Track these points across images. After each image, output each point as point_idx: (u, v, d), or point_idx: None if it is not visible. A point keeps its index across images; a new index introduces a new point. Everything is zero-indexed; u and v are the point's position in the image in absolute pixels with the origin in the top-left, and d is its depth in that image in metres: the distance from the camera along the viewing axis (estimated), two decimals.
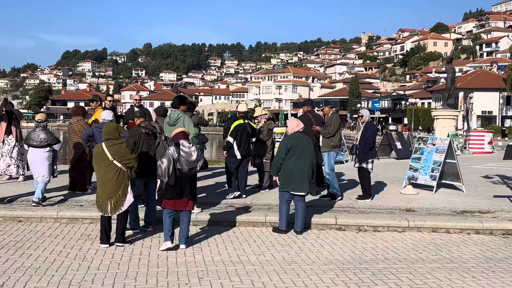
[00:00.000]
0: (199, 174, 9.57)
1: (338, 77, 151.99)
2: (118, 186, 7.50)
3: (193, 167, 7.55)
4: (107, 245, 7.58)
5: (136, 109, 11.80)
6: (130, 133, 8.81)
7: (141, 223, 8.59)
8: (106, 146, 7.48)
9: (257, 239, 8.27)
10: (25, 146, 10.08)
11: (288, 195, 8.63)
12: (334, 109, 10.99)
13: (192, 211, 8.01)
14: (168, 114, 9.74)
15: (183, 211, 7.68)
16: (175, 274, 6.45)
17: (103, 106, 11.92)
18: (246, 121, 10.73)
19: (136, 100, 12.38)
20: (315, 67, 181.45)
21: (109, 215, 7.59)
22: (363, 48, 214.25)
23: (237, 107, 11.34)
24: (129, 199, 7.62)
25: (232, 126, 10.65)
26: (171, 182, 7.45)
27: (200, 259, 7.10)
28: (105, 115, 9.84)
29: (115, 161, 7.44)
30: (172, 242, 7.55)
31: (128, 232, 8.12)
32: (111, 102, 12.12)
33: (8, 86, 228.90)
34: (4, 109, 12.27)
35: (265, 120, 11.81)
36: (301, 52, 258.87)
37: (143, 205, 8.95)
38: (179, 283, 6.12)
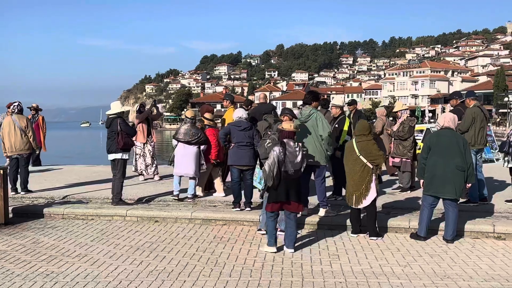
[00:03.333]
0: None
1: (481, 70, 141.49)
2: (362, 180, 7.79)
3: (299, 168, 7.08)
4: (355, 235, 8.00)
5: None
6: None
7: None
8: (356, 142, 7.89)
9: (400, 247, 7.41)
10: (174, 142, 10.19)
11: (431, 199, 7.69)
12: (476, 101, 9.68)
13: (301, 213, 7.69)
14: (299, 111, 9.23)
15: (290, 213, 7.24)
16: (311, 285, 5.87)
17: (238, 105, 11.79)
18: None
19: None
20: (454, 60, 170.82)
21: (354, 207, 7.92)
22: (509, 38, 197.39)
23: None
24: (372, 194, 7.82)
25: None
26: (274, 185, 7.04)
27: (338, 269, 6.45)
28: (240, 113, 9.60)
29: (361, 157, 7.76)
30: (276, 247, 7.20)
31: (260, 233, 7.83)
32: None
33: (153, 91, 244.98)
34: (151, 110, 12.66)
35: (407, 115, 10.79)
36: (439, 46, 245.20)
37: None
38: None
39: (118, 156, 9.69)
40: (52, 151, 39.79)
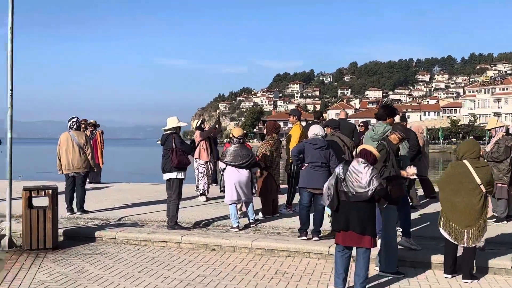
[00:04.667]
0: None
1: None
2: (480, 214, 6.48)
3: (362, 191, 5.77)
4: (450, 276, 6.67)
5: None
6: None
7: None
8: (473, 167, 6.49)
9: None
10: (221, 165, 9.27)
11: None
12: None
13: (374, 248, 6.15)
14: (371, 127, 8.07)
15: (358, 249, 5.95)
16: None
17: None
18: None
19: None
20: None
21: (465, 245, 6.53)
22: None
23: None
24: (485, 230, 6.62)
25: None
26: (331, 206, 5.95)
27: None
28: (317, 129, 8.50)
29: (481, 186, 6.44)
30: None
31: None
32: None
33: (227, 109, 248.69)
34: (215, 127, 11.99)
35: (503, 134, 9.30)
36: None
37: None
38: None
39: (173, 175, 8.90)
40: (121, 168, 40.42)
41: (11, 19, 8.01)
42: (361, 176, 5.80)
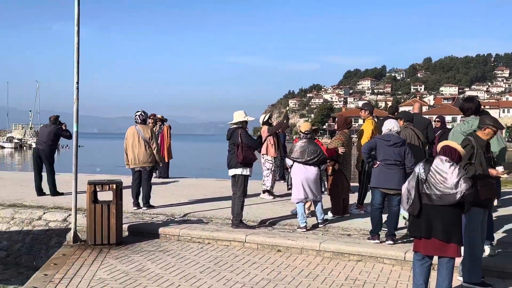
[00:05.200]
0: None
1: None
2: None
3: (447, 194, 5.05)
4: None
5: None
6: None
7: None
8: None
9: None
10: (289, 162, 8.76)
11: None
12: None
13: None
14: (461, 121, 7.28)
15: (441, 258, 5.24)
16: None
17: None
18: None
19: None
20: None
21: None
22: None
23: None
24: None
25: None
26: (412, 211, 5.24)
27: None
28: (391, 124, 7.87)
29: None
30: None
31: None
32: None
33: (296, 105, 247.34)
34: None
35: None
36: None
37: None
38: None
39: (238, 171, 8.51)
40: (189, 163, 40.78)
41: (77, 10, 7.88)
42: (446, 177, 5.11)
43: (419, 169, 5.33)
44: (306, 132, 8.68)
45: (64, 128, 12.10)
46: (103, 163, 38.30)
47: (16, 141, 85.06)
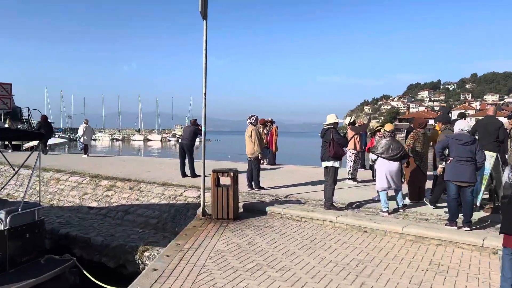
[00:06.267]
0: None
1: None
2: None
3: None
4: None
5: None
6: None
7: None
8: None
9: None
10: (373, 156, 7.38)
11: None
12: None
13: None
14: None
15: None
16: None
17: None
18: None
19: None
20: None
21: None
22: None
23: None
24: None
25: None
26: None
27: None
28: (463, 125, 6.26)
29: None
30: None
31: None
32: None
33: (370, 110, 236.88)
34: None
35: None
36: None
37: None
38: None
39: (329, 163, 7.28)
40: (291, 153, 39.72)
41: (205, 37, 7.12)
42: None
43: (508, 175, 3.84)
44: (390, 131, 7.26)
45: (200, 128, 11.61)
46: (232, 152, 38.53)
47: (177, 136, 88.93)
